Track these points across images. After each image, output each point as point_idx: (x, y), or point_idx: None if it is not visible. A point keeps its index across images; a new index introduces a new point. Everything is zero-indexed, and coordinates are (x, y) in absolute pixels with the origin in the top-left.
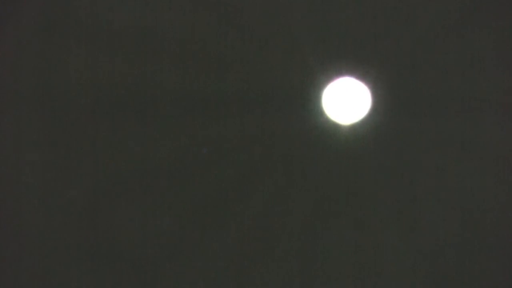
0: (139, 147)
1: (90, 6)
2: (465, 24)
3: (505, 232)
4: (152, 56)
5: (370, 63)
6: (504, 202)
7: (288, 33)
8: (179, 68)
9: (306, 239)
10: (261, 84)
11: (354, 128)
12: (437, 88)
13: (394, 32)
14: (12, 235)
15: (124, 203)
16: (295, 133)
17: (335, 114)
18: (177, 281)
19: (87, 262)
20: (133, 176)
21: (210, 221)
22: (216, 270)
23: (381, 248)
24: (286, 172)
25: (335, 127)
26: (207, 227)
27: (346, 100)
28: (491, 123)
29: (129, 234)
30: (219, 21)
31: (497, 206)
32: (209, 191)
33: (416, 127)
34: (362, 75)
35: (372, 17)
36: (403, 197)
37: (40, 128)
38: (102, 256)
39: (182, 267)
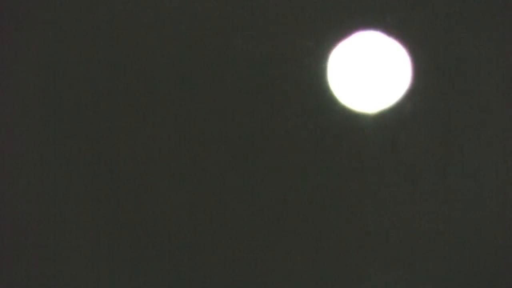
0: (139, 143)
1: None
2: None
3: None
4: (151, 40)
5: (408, 14)
6: None
7: None
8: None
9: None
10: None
11: (382, 119)
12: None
13: None
14: (11, 234)
15: (124, 199)
16: (299, 124)
17: (353, 100)
18: (178, 280)
19: (88, 260)
20: (134, 172)
21: (213, 217)
22: (215, 268)
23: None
24: (289, 173)
25: (354, 117)
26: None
27: (370, 78)
28: None
29: (129, 231)
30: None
31: None
32: (207, 185)
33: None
34: (394, 30)
35: None
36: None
37: (40, 126)
38: (101, 254)
39: (186, 265)
